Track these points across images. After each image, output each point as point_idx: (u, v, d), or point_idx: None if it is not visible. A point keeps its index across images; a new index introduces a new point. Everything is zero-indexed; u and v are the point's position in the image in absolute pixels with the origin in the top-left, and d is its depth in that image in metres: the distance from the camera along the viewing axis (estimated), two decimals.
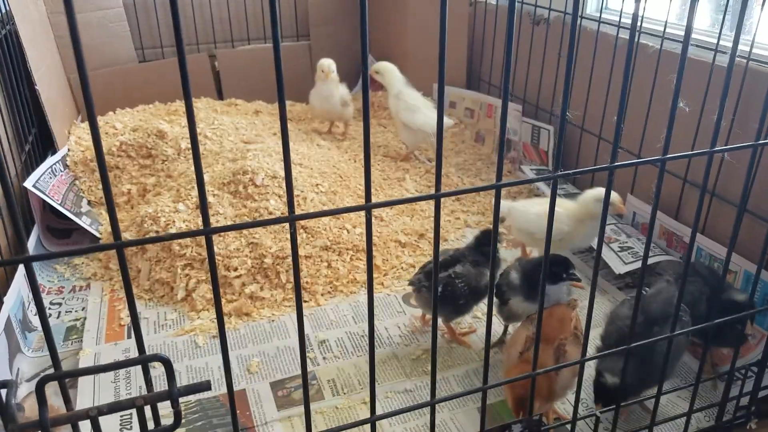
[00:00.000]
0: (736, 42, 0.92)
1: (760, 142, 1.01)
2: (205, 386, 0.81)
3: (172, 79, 2.59)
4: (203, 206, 0.72)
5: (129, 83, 2.63)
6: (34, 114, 2.13)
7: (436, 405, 1.02)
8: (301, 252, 1.76)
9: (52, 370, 0.93)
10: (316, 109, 2.47)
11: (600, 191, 1.59)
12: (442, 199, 2.09)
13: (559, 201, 1.76)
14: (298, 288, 0.81)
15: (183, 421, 1.36)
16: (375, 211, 1.98)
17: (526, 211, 1.71)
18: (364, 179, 0.77)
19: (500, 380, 1.12)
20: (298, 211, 1.84)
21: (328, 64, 2.38)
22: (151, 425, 0.82)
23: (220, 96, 2.76)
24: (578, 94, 2.01)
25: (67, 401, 0.80)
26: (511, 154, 2.29)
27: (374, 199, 2.07)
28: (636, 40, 1.78)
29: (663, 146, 0.93)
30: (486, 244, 1.52)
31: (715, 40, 1.58)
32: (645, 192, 1.84)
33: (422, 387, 1.44)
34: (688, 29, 0.85)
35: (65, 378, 0.75)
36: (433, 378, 0.98)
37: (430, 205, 2.10)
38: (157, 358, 0.77)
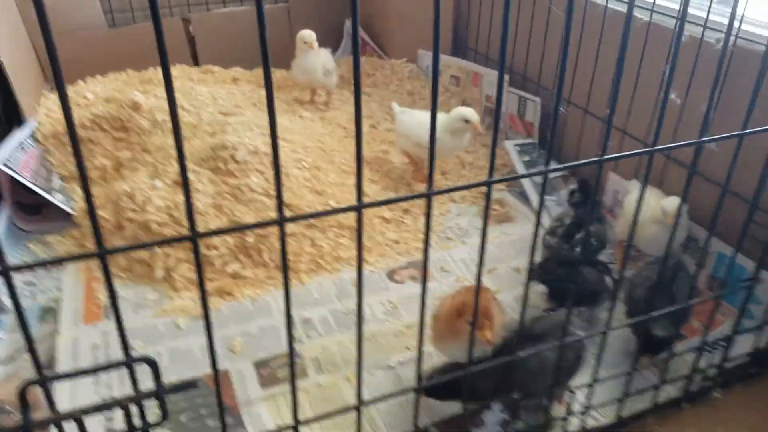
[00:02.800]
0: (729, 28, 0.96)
1: (746, 131, 1.06)
2: (192, 385, 0.87)
3: (145, 45, 2.57)
4: (189, 208, 0.75)
5: (98, 50, 2.62)
6: None
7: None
8: (286, 230, 1.80)
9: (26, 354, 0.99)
10: (299, 80, 2.49)
11: (463, 110, 1.95)
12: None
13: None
14: (287, 283, 0.86)
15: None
16: None
17: (412, 118, 2.06)
18: (356, 179, 0.80)
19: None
20: (282, 189, 1.89)
21: (308, 35, 2.37)
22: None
23: (196, 62, 2.76)
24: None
25: (51, 403, 0.82)
26: None
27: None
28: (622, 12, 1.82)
29: (653, 137, 0.98)
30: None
31: (704, 14, 1.61)
32: (626, 168, 1.89)
33: (405, 363, 1.51)
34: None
35: (48, 382, 0.76)
36: (418, 363, 1.04)
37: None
38: (143, 359, 0.82)
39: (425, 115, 2.07)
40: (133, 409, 0.85)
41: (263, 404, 1.42)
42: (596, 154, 0.94)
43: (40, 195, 1.95)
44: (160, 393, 0.82)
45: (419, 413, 1.11)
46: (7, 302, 1.69)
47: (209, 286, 1.73)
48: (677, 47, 0.94)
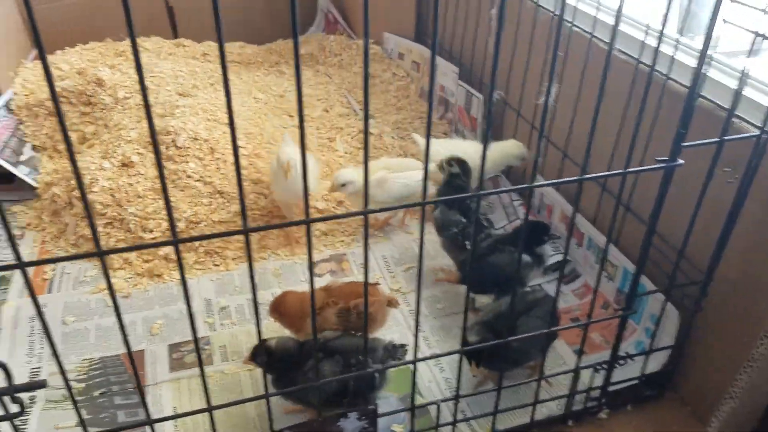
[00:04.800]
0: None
1: (629, 170, 1.11)
2: (40, 385, 1.00)
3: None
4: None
5: (81, 19, 2.70)
6: None
7: None
8: (216, 217, 1.91)
9: None
10: (282, 199, 1.99)
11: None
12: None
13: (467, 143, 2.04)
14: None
15: (85, 377, 1.59)
16: None
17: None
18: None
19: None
20: (217, 176, 1.99)
21: (287, 158, 1.81)
22: None
23: (175, 33, 2.82)
24: (503, 67, 2.04)
25: None
26: (448, 115, 2.37)
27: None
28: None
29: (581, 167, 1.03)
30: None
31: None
32: (552, 170, 1.92)
33: None
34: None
35: None
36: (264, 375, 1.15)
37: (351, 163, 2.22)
38: None
39: (456, 146, 1.99)
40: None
41: (168, 387, 1.56)
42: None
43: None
44: (10, 390, 0.95)
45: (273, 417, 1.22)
46: None
47: (143, 266, 1.87)
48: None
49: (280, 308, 1.51)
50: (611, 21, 1.67)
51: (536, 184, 1.11)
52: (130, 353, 0.99)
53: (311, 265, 1.01)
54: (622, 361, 1.56)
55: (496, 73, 0.91)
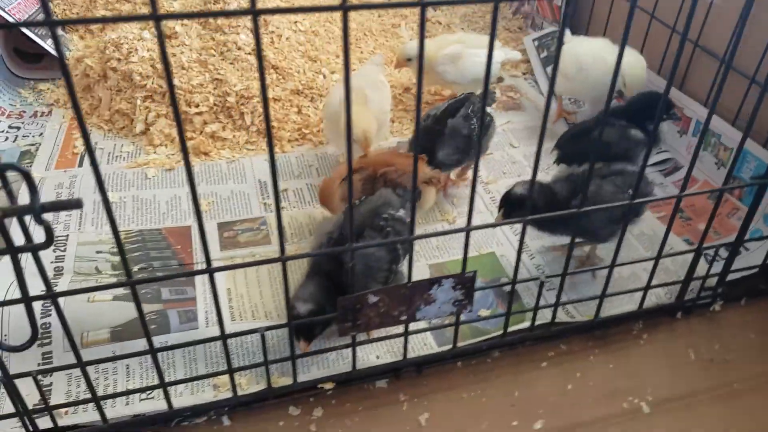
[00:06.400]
0: None
1: None
2: (74, 204, 0.78)
3: None
4: None
5: None
6: None
7: None
8: (270, 94, 1.72)
9: None
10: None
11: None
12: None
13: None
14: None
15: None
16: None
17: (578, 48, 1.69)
18: None
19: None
20: (271, 50, 1.79)
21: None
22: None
23: None
24: None
25: None
26: (525, 8, 2.15)
27: (359, 50, 1.99)
28: None
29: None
30: None
31: None
32: (656, 58, 1.71)
33: None
34: None
35: None
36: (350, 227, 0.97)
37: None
38: (13, 167, 0.75)
39: (590, 44, 1.71)
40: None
41: (220, 264, 1.38)
42: None
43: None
44: (35, 208, 0.74)
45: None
46: None
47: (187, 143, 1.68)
48: None
49: (320, 195, 1.38)
50: None
51: None
52: None
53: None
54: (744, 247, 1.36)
55: None
